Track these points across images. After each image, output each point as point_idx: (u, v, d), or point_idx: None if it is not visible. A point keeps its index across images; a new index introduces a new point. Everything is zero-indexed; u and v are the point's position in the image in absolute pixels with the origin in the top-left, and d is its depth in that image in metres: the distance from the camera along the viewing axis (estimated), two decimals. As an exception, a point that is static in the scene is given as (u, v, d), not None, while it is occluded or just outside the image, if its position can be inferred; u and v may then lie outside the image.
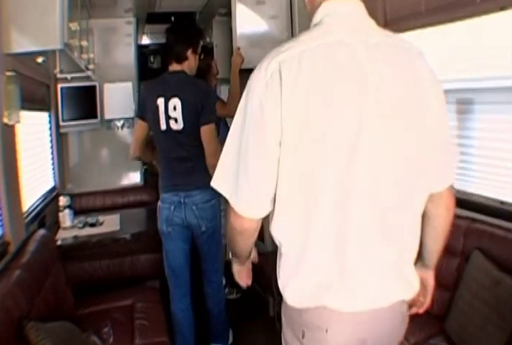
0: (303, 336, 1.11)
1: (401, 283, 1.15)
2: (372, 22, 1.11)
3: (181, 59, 2.44)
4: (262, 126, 1.02)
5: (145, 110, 2.47)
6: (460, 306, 2.01)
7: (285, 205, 1.06)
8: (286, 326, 1.18)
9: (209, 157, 2.34)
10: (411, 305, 1.30)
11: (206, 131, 2.36)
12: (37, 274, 1.99)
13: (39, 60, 2.52)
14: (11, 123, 2.12)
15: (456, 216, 2.27)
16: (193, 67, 2.52)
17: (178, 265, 2.55)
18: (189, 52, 2.45)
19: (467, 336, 1.90)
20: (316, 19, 1.11)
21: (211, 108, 2.40)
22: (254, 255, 1.40)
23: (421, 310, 1.40)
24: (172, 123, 2.37)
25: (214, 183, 1.13)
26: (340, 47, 1.03)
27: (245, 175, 1.04)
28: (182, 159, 2.43)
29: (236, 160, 1.07)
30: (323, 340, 1.09)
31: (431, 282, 1.43)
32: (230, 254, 1.45)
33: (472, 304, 1.92)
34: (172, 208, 2.45)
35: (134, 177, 4.14)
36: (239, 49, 3.13)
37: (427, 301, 1.41)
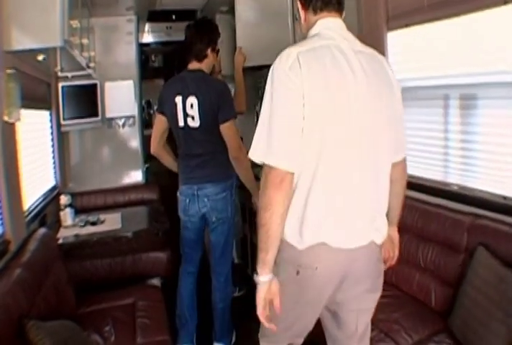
0: (297, 274, 1.44)
1: (377, 230, 1.52)
2: (352, 35, 1.52)
3: (201, 57, 2.56)
4: (287, 99, 1.33)
5: (164, 106, 2.60)
6: (464, 303, 1.99)
7: (302, 163, 1.36)
8: (283, 269, 1.46)
9: (233, 151, 2.47)
10: (385, 261, 1.74)
11: (227, 128, 2.46)
12: (38, 273, 1.97)
13: (40, 57, 2.51)
14: (11, 121, 2.11)
15: (460, 212, 2.28)
16: (211, 65, 2.66)
17: (190, 251, 2.78)
18: (209, 51, 2.57)
19: (471, 333, 1.88)
20: (315, 31, 1.50)
21: (229, 106, 2.48)
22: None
23: (393, 262, 1.84)
24: (189, 120, 2.50)
25: (251, 154, 1.41)
26: (336, 48, 1.41)
27: (277, 137, 1.33)
28: (196, 155, 2.56)
29: (267, 131, 1.35)
30: (313, 276, 1.44)
31: (396, 236, 1.85)
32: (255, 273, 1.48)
33: (476, 300, 1.90)
34: (188, 200, 2.62)
35: (136, 176, 4.12)
36: (241, 48, 3.16)
37: (396, 253, 1.84)
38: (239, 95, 2.92)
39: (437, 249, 2.32)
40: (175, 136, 2.64)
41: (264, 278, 1.41)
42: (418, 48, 2.59)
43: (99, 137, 4.04)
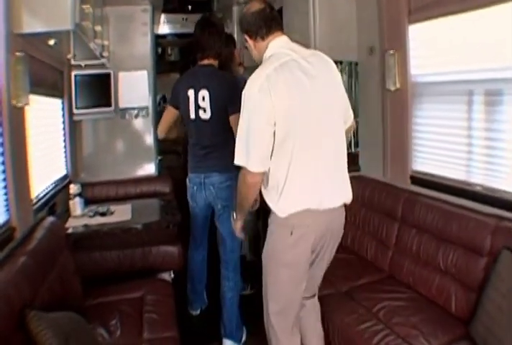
0: (291, 233, 1.81)
1: (346, 192, 1.93)
2: (297, 45, 1.90)
3: (213, 53, 2.72)
4: (261, 114, 1.70)
5: (177, 99, 2.75)
6: (487, 308, 1.88)
7: (276, 157, 1.76)
8: (276, 231, 1.88)
9: None
10: None
11: (235, 119, 2.43)
12: (43, 262, 1.91)
13: (51, 42, 2.44)
14: (19, 105, 2.05)
15: (484, 214, 2.18)
16: (225, 59, 2.98)
17: (198, 235, 3.01)
18: (220, 50, 2.74)
19: (495, 341, 1.77)
20: (270, 52, 1.84)
21: (239, 98, 2.40)
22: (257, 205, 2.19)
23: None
24: (201, 112, 2.66)
25: (236, 161, 1.77)
26: (293, 62, 1.77)
27: (253, 146, 1.72)
28: (205, 146, 2.74)
29: (245, 141, 1.73)
30: (306, 232, 1.82)
31: None
32: (233, 214, 2.08)
33: (500, 307, 1.80)
34: (195, 187, 2.81)
35: (149, 168, 4.04)
36: None
37: None
38: None
39: (459, 252, 2.21)
40: (187, 128, 2.79)
41: (238, 220, 2.06)
42: (441, 42, 2.48)
43: (112, 128, 3.98)
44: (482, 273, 2.06)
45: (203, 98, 2.62)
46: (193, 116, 2.67)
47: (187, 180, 2.88)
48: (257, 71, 1.74)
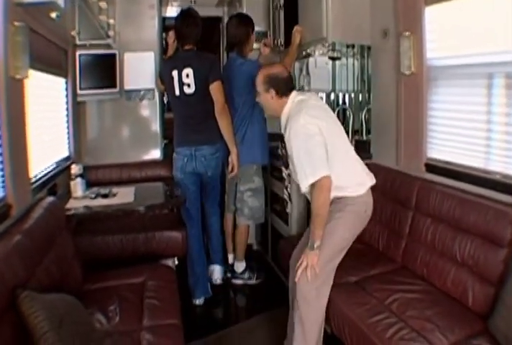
0: (365, 211, 2.28)
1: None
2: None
3: (192, 40, 3.12)
4: (314, 135, 2.14)
5: (163, 79, 3.20)
6: (507, 303, 1.79)
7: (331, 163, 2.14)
8: (350, 215, 2.22)
9: (219, 106, 3.01)
10: None
11: (214, 87, 3.00)
12: (40, 241, 1.82)
13: (53, 15, 2.33)
14: (18, 77, 1.96)
15: (503, 203, 2.06)
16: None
17: (191, 206, 3.18)
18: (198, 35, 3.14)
19: (517, 337, 1.67)
20: (295, 99, 2.31)
21: (218, 71, 3.08)
22: None
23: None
24: (185, 88, 3.02)
25: (306, 183, 2.13)
26: (309, 100, 2.32)
27: (318, 160, 2.11)
28: (191, 119, 3.10)
29: (307, 161, 2.12)
30: (370, 206, 2.31)
31: None
32: (314, 244, 2.11)
33: (523, 300, 1.69)
34: (186, 159, 3.12)
35: (154, 152, 3.93)
36: (298, 28, 3.43)
37: None
38: (286, 59, 3.43)
39: (476, 242, 2.09)
40: (171, 105, 3.25)
41: (318, 244, 2.09)
42: (459, 24, 2.35)
43: (117, 111, 3.87)
44: (501, 265, 1.94)
45: (187, 75, 3.00)
46: (177, 92, 3.05)
47: (174, 154, 3.22)
48: (296, 112, 2.21)
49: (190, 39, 3.09)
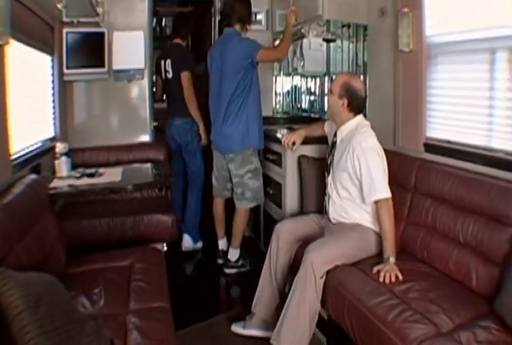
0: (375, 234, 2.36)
1: None
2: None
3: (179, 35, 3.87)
4: (383, 157, 2.35)
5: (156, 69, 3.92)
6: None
7: None
8: (365, 235, 2.34)
9: (186, 92, 3.63)
10: None
11: (183, 76, 3.62)
12: (20, 218, 1.70)
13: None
14: (-2, 42, 1.82)
15: (507, 181, 1.97)
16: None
17: (174, 161, 3.93)
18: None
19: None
20: (360, 121, 2.45)
21: (188, 62, 3.70)
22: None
23: None
24: (167, 74, 3.75)
25: (383, 195, 2.27)
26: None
27: (385, 178, 2.30)
28: (171, 97, 3.85)
29: (382, 179, 2.28)
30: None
31: None
32: (386, 257, 2.16)
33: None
34: (168, 127, 3.83)
35: (143, 134, 3.83)
36: (292, 9, 3.30)
37: None
38: (283, 43, 3.32)
39: (480, 222, 2.00)
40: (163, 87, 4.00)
41: (393, 259, 2.13)
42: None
43: (105, 91, 3.75)
44: (506, 245, 1.85)
45: (168, 64, 3.70)
46: (163, 76, 3.79)
47: None
48: (368, 133, 2.38)
49: (178, 34, 3.84)
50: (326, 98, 3.83)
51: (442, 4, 2.41)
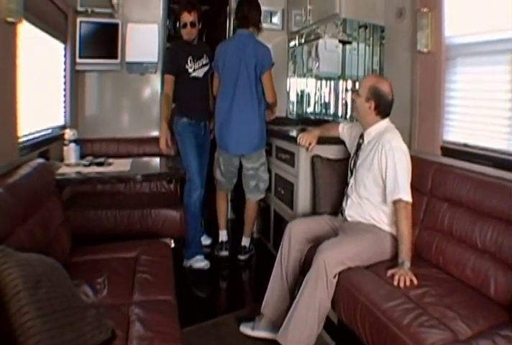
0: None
1: None
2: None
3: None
4: (408, 160, 2.27)
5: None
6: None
7: None
8: (381, 239, 2.26)
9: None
10: None
11: (166, 76, 3.33)
12: (24, 200, 1.64)
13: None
14: (9, 19, 1.78)
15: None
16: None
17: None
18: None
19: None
20: (389, 124, 2.39)
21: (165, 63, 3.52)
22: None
23: None
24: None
25: (407, 197, 2.19)
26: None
27: (408, 183, 2.23)
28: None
29: (406, 181, 2.22)
30: None
31: None
32: (401, 262, 2.07)
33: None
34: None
35: (154, 128, 3.75)
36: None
37: None
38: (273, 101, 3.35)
39: (499, 227, 1.91)
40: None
41: (408, 264, 2.04)
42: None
43: (117, 83, 3.71)
44: (527, 252, 1.77)
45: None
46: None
47: None
48: (396, 135, 2.31)
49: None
50: (339, 101, 3.79)
51: (462, 4, 2.36)
